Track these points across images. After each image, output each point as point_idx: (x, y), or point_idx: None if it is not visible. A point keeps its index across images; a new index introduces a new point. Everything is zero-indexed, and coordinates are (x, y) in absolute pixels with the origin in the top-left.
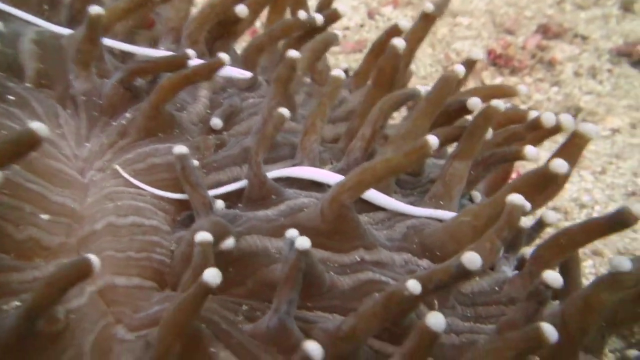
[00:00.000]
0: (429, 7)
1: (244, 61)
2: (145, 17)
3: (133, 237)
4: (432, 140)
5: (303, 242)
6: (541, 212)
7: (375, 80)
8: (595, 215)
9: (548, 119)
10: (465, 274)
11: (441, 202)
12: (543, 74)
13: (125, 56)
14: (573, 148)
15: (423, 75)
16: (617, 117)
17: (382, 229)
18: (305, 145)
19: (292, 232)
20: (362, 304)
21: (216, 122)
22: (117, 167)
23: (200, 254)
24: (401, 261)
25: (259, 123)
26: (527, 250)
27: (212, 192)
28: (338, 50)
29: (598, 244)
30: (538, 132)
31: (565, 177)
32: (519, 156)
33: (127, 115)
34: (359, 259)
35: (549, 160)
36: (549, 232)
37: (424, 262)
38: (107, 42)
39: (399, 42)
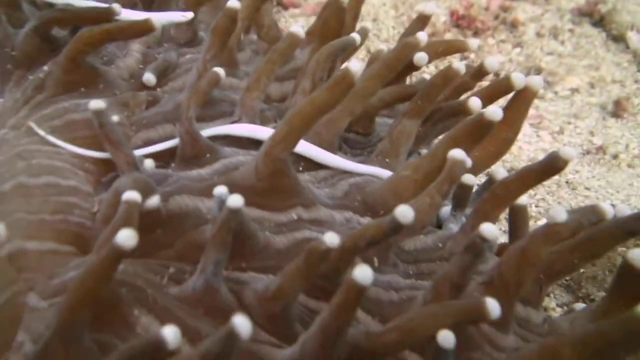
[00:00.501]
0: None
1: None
2: None
3: (47, 199)
4: (354, 67)
5: (235, 201)
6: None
7: (320, 34)
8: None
9: (491, 64)
10: (398, 228)
11: (387, 160)
12: (506, 35)
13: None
14: (521, 101)
15: (385, 37)
16: (576, 76)
17: (324, 187)
18: (245, 102)
19: (220, 189)
20: None
21: (149, 77)
22: (32, 124)
23: (124, 213)
24: (342, 219)
25: (193, 76)
26: None
27: (141, 151)
28: (298, 13)
29: (551, 201)
30: (489, 89)
31: (501, 125)
32: (464, 109)
33: (45, 68)
34: (296, 218)
35: (483, 109)
36: None
37: (366, 220)
38: None
39: None
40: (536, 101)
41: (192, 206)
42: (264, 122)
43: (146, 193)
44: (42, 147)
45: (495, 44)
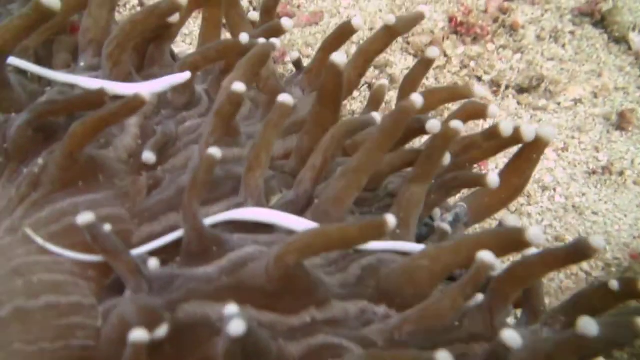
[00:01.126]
0: (390, 19)
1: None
2: (63, 23)
3: (47, 323)
4: (390, 220)
5: (237, 328)
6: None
7: (319, 99)
8: (557, 198)
9: (505, 129)
10: None
11: (397, 232)
12: (505, 40)
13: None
14: (532, 151)
15: None
16: (579, 85)
17: (335, 273)
18: (249, 183)
19: (230, 310)
20: None
21: (148, 156)
22: (28, 231)
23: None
24: (356, 312)
25: (195, 160)
26: None
27: (144, 248)
28: (292, 24)
29: (558, 228)
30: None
31: (512, 172)
32: (481, 183)
33: (40, 161)
34: (309, 320)
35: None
36: None
37: (381, 309)
38: (14, 61)
39: (339, 58)
40: (539, 113)
41: (201, 314)
42: (269, 193)
43: (153, 321)
44: (40, 258)
45: (495, 50)
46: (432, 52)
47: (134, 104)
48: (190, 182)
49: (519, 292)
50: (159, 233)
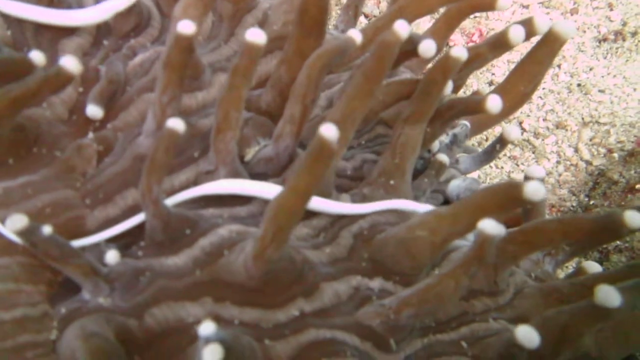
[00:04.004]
0: None
1: None
2: None
3: None
4: (328, 132)
5: (213, 356)
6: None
7: (300, 24)
8: (562, 76)
9: (516, 35)
10: None
11: (392, 182)
12: None
13: None
14: (545, 48)
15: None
16: None
17: (324, 245)
18: (219, 147)
19: (206, 330)
20: None
21: (94, 111)
22: None
23: None
24: (350, 291)
25: (151, 123)
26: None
27: (99, 236)
28: None
29: (561, 113)
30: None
31: (519, 77)
32: (481, 109)
33: None
34: (297, 314)
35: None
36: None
37: (376, 283)
38: None
39: None
40: None
41: (174, 319)
42: (243, 145)
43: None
44: None
45: None
46: None
47: (59, 79)
48: (148, 164)
49: (529, 254)
50: (116, 215)
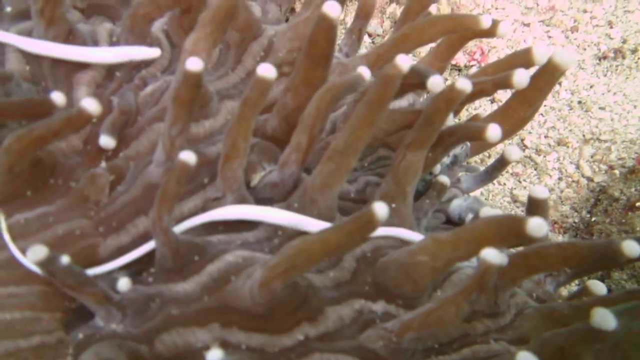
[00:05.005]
0: None
1: (130, 30)
2: None
3: None
4: (380, 210)
5: None
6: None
7: (308, 54)
8: (563, 93)
9: (520, 80)
10: None
11: (394, 205)
12: None
13: None
14: (545, 77)
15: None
16: None
17: (328, 269)
18: (226, 175)
19: (213, 356)
20: None
21: (106, 141)
22: None
23: None
24: (353, 314)
25: (160, 154)
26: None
27: (112, 265)
28: None
29: (562, 130)
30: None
31: (520, 104)
32: (480, 137)
33: None
34: (302, 338)
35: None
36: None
37: (379, 306)
38: None
39: (331, 10)
40: None
41: (183, 345)
42: (249, 171)
43: None
44: None
45: None
46: None
47: (79, 120)
48: (159, 194)
49: (528, 278)
50: (128, 244)
